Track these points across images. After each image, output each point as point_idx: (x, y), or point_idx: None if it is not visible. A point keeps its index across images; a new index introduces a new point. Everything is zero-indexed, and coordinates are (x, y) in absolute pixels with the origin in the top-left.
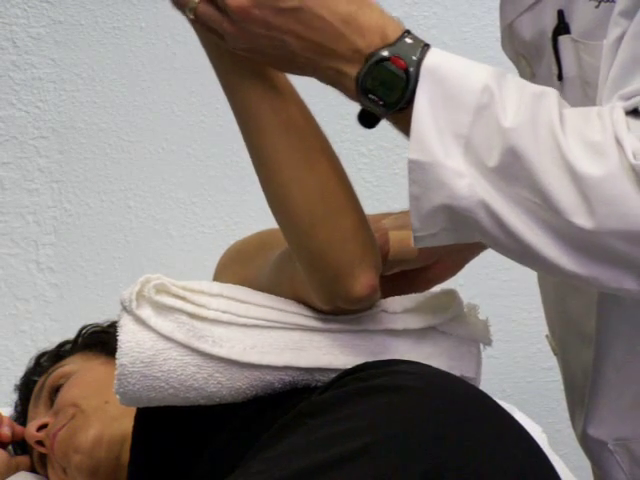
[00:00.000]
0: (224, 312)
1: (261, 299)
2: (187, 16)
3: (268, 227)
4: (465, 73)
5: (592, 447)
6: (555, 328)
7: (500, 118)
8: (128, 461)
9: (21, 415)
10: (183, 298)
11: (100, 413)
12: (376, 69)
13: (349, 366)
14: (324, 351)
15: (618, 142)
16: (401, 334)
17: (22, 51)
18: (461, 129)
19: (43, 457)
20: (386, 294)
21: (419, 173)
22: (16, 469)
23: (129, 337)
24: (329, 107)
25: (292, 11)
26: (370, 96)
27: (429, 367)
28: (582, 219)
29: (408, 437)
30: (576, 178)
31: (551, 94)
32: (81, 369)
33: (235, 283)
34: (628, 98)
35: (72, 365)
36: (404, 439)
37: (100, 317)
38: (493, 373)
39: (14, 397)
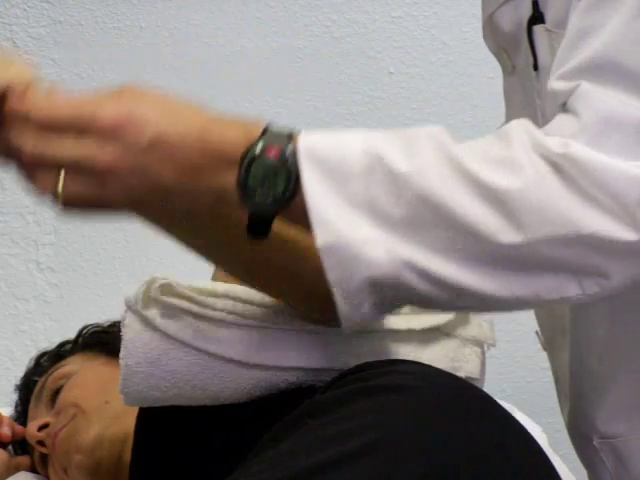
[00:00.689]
0: (230, 313)
1: (267, 300)
2: (54, 205)
3: None
4: (341, 145)
5: (578, 443)
6: (542, 323)
7: (393, 169)
8: (129, 461)
9: (21, 415)
10: (189, 299)
11: (101, 413)
12: (253, 167)
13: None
14: (329, 352)
15: (533, 148)
16: (405, 335)
17: (22, 51)
18: (358, 197)
19: (44, 457)
20: None
21: (333, 257)
22: (16, 469)
23: (134, 337)
24: (329, 107)
25: (152, 143)
26: (256, 197)
27: (430, 367)
28: (511, 235)
29: (409, 437)
30: (493, 197)
31: (440, 130)
32: (82, 369)
33: (234, 280)
34: (566, 78)
35: (72, 365)
36: (405, 439)
37: (100, 317)
38: (493, 373)
39: (14, 397)
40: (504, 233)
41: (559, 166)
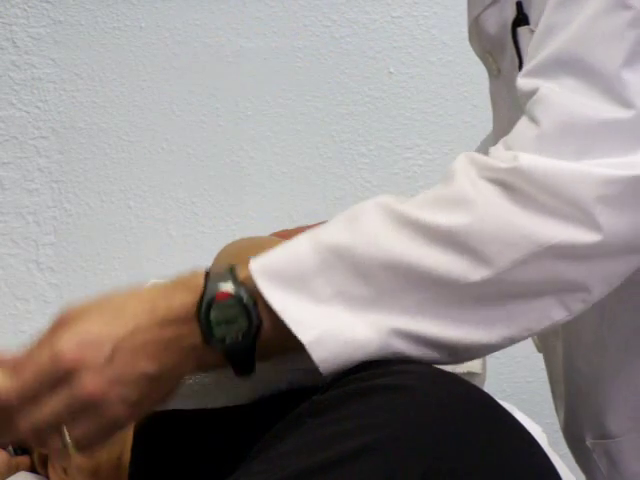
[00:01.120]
0: None
1: None
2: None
3: (267, 227)
4: (290, 254)
5: (572, 444)
6: None
7: (343, 248)
8: (129, 461)
9: None
10: None
11: None
12: (211, 317)
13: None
14: None
15: (478, 174)
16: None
17: (22, 51)
18: (326, 293)
19: (43, 457)
20: None
21: (321, 350)
22: (16, 469)
23: None
24: (329, 107)
25: (114, 353)
26: (227, 341)
27: (430, 367)
28: (479, 272)
29: (409, 437)
30: (447, 238)
31: (387, 197)
32: None
33: None
34: (530, 75)
35: None
36: (405, 439)
37: None
38: (493, 373)
39: None
40: (472, 272)
41: (507, 183)
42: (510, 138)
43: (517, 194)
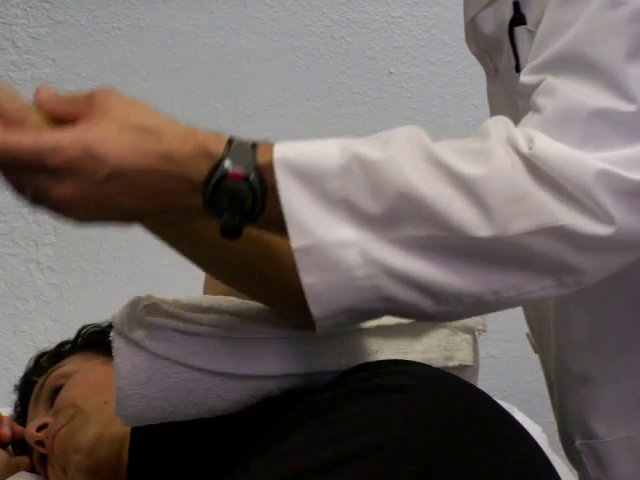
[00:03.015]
0: (216, 327)
1: (253, 310)
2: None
3: None
4: (316, 148)
5: (565, 444)
6: (533, 325)
7: (368, 161)
8: (127, 461)
9: (21, 415)
10: (174, 316)
11: (100, 413)
12: (218, 191)
13: (347, 367)
14: (320, 355)
15: (510, 142)
16: (394, 329)
17: (22, 51)
18: (335, 195)
19: (43, 457)
20: None
21: (307, 259)
22: (16, 469)
23: (124, 360)
24: (329, 107)
25: (109, 177)
26: (225, 215)
27: (429, 367)
28: (484, 229)
29: (407, 437)
30: (462, 184)
31: (417, 128)
32: (81, 369)
33: (225, 288)
34: (535, 72)
35: (72, 365)
36: (405, 439)
37: (100, 317)
38: (493, 373)
39: (14, 397)
40: (481, 227)
41: (528, 161)
42: (520, 126)
43: (537, 172)
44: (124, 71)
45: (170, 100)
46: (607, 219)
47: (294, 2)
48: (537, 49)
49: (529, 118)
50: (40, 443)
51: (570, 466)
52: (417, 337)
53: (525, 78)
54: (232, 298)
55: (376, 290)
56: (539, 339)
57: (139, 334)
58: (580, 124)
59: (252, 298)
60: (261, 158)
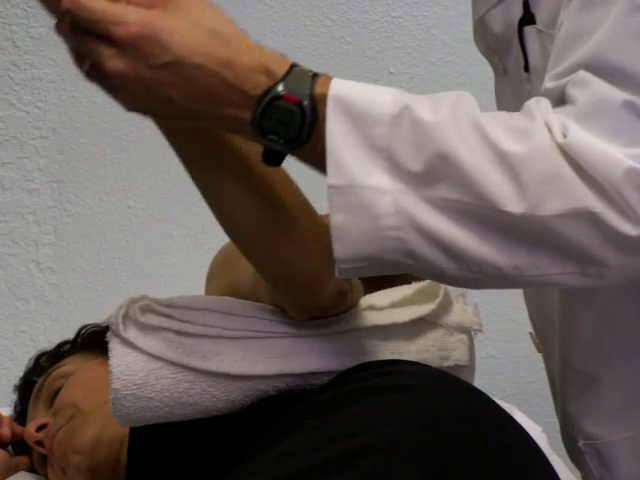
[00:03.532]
0: (211, 326)
1: (248, 309)
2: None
3: None
4: (371, 92)
5: (567, 444)
6: (536, 325)
7: (418, 119)
8: (126, 462)
9: (21, 415)
10: (169, 316)
11: (99, 413)
12: (269, 110)
13: (342, 368)
14: (315, 355)
15: (547, 127)
16: (390, 330)
17: (22, 51)
18: (380, 142)
19: (43, 457)
20: (374, 288)
21: (340, 198)
22: (16, 469)
23: (119, 360)
24: None
25: (167, 65)
26: (270, 137)
27: (428, 367)
28: (516, 205)
29: (408, 437)
30: (501, 158)
31: (468, 95)
32: (80, 369)
33: (224, 288)
34: (559, 78)
35: (71, 365)
36: (404, 439)
37: (100, 317)
38: (493, 373)
39: (14, 397)
40: (514, 203)
41: (562, 148)
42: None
43: (571, 159)
44: None
45: None
46: (635, 219)
47: (294, 2)
48: (559, 55)
49: (563, 108)
50: (39, 443)
51: (570, 466)
52: (412, 338)
53: (550, 84)
54: (227, 298)
55: (401, 242)
56: (543, 338)
57: (134, 334)
58: (611, 116)
59: (250, 259)
60: (318, 89)
